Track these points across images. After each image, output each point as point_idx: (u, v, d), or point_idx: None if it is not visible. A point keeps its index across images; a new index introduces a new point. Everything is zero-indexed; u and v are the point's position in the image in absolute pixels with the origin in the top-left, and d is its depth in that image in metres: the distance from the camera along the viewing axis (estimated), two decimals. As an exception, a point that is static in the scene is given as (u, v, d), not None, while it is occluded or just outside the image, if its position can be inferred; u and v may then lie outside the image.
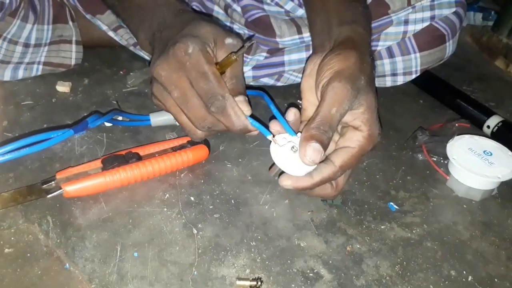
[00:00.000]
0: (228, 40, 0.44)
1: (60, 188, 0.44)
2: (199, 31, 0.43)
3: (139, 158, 0.48)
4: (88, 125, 0.52)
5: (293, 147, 0.42)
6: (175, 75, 0.42)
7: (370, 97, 0.42)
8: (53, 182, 0.45)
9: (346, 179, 0.46)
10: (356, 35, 0.46)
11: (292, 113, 0.44)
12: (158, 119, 0.56)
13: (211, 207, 0.47)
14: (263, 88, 0.56)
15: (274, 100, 0.47)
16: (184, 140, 0.52)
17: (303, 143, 0.40)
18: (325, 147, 0.40)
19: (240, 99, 0.43)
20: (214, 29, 0.44)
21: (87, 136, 0.53)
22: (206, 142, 0.52)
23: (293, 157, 0.42)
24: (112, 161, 0.47)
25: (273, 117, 0.44)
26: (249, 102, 0.44)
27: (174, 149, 0.51)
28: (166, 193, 0.48)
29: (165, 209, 0.46)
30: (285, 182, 0.42)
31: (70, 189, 0.44)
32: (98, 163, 0.47)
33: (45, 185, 0.45)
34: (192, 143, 0.52)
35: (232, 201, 0.48)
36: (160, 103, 0.45)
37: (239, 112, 0.42)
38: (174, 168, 0.50)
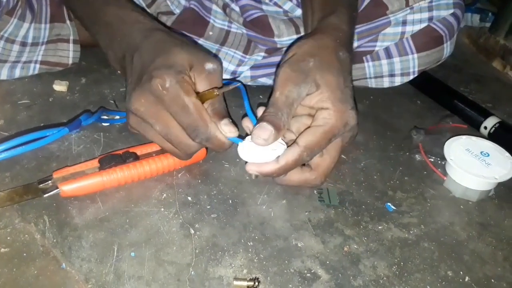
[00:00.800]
0: (208, 66, 0.44)
1: (57, 188, 0.44)
2: (174, 59, 0.43)
3: (136, 157, 0.48)
4: (82, 123, 0.52)
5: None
6: (154, 109, 0.42)
7: (326, 76, 0.44)
8: (49, 182, 0.45)
9: (330, 162, 0.46)
10: (326, 25, 0.49)
11: (261, 110, 0.46)
12: None
13: (208, 207, 0.47)
14: (241, 82, 0.57)
15: (249, 96, 0.49)
16: None
17: (255, 127, 0.42)
18: (277, 127, 0.41)
19: (225, 122, 0.44)
20: (190, 55, 0.43)
21: (84, 135, 0.53)
22: None
23: (260, 151, 0.43)
24: (109, 161, 0.47)
25: (245, 115, 0.47)
26: (233, 122, 0.45)
27: None
28: (163, 193, 0.48)
29: (162, 209, 0.46)
30: (250, 167, 0.44)
31: (67, 188, 0.44)
32: (95, 163, 0.47)
33: (41, 185, 0.45)
34: None
35: (230, 201, 0.48)
36: (140, 133, 0.45)
37: (223, 139, 0.43)
38: (171, 168, 0.50)
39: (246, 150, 0.44)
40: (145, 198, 0.47)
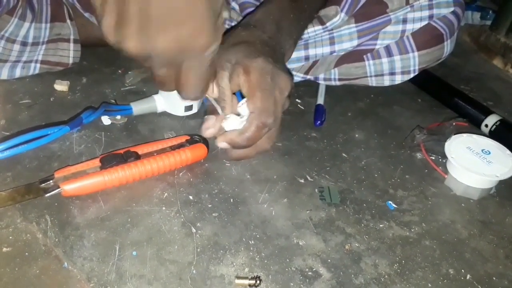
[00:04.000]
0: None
1: (59, 187, 0.44)
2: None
3: (137, 157, 0.48)
4: (83, 121, 0.52)
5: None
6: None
7: (223, 53, 0.48)
8: (51, 181, 0.45)
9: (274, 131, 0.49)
10: (254, 16, 0.54)
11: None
12: (139, 107, 0.57)
13: (209, 206, 0.47)
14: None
15: None
16: (182, 139, 0.52)
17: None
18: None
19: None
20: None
21: (85, 135, 0.53)
22: (205, 141, 0.52)
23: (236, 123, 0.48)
24: (110, 160, 0.47)
25: None
26: None
27: (173, 148, 0.51)
28: (165, 192, 0.48)
29: (164, 208, 0.46)
30: (219, 139, 0.48)
31: (69, 188, 0.44)
32: (96, 162, 0.47)
33: (43, 184, 0.45)
34: (191, 142, 0.52)
35: (231, 200, 0.48)
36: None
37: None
38: (173, 167, 0.50)
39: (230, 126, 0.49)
40: (146, 197, 0.47)
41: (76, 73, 0.64)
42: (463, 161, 0.52)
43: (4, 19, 0.59)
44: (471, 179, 0.51)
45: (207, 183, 0.50)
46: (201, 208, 0.46)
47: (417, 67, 0.64)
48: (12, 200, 0.43)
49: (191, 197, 0.47)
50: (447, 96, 0.69)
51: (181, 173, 0.50)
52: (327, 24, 0.61)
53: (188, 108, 0.58)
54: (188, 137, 0.53)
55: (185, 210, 0.46)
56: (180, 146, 0.51)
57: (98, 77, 0.64)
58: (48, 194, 0.44)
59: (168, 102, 0.58)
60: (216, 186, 0.49)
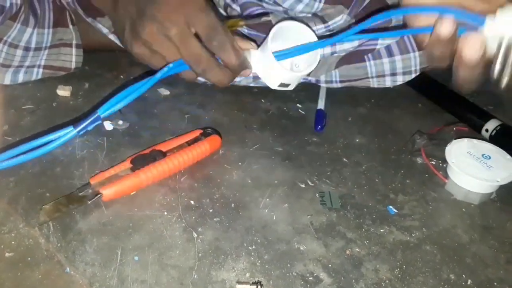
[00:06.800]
0: None
1: (99, 193, 0.45)
2: None
3: (164, 154, 0.50)
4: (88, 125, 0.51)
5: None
6: (174, 14, 0.46)
7: None
8: (89, 189, 0.46)
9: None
10: None
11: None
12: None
13: (211, 210, 0.47)
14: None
15: None
16: (197, 133, 0.54)
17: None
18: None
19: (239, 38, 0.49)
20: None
21: (87, 140, 0.54)
22: (217, 132, 0.56)
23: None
24: (141, 161, 0.49)
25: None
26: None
27: (189, 143, 0.53)
28: (166, 197, 0.48)
29: (165, 213, 0.46)
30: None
31: (109, 192, 0.45)
32: (127, 164, 0.48)
33: (82, 193, 0.46)
34: (205, 134, 0.54)
35: (232, 204, 0.48)
36: (152, 49, 0.48)
37: (237, 46, 0.47)
38: (195, 160, 0.52)
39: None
40: (148, 202, 0.47)
41: (79, 78, 0.65)
42: (464, 166, 0.52)
43: (7, 25, 0.59)
44: (472, 184, 0.52)
45: (209, 187, 0.50)
46: (202, 213, 0.47)
47: (418, 67, 0.64)
48: (58, 211, 0.44)
49: (192, 202, 0.48)
50: (447, 101, 0.69)
51: (182, 178, 0.51)
52: (329, 23, 0.61)
53: (284, 85, 0.53)
54: (201, 131, 0.55)
55: (187, 215, 0.46)
56: (195, 140, 0.53)
57: (100, 82, 0.65)
58: (90, 201, 0.45)
59: (264, 67, 0.52)
60: (217, 190, 0.50)
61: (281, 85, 0.53)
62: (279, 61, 0.50)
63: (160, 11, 0.47)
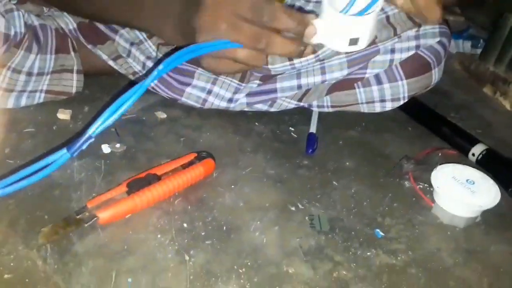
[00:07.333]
0: None
1: (95, 216, 0.47)
2: None
3: (159, 178, 0.52)
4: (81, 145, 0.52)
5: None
6: (220, 10, 0.47)
7: None
8: (86, 212, 0.48)
9: None
10: None
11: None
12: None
13: (203, 233, 0.49)
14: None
15: None
16: (191, 157, 0.56)
17: None
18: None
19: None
20: None
21: (85, 163, 0.56)
22: (210, 155, 0.57)
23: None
24: (136, 184, 0.50)
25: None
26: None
27: (184, 167, 0.55)
28: (160, 220, 0.50)
29: (159, 236, 0.48)
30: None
31: (105, 215, 0.47)
32: (123, 188, 0.50)
33: (79, 215, 0.47)
34: (199, 158, 0.56)
35: (224, 227, 0.50)
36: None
37: (289, 11, 0.47)
38: (189, 183, 0.54)
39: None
40: (142, 225, 0.49)
41: (79, 101, 0.67)
42: (449, 191, 0.54)
43: (11, 51, 0.62)
44: (457, 208, 0.53)
45: (201, 210, 0.52)
46: (195, 235, 0.48)
47: (406, 94, 0.67)
48: (56, 234, 0.45)
49: (185, 225, 0.49)
50: (435, 125, 0.71)
51: (176, 201, 0.52)
52: (319, 52, 0.64)
53: (354, 41, 0.48)
54: (196, 154, 0.56)
55: (179, 238, 0.48)
56: (190, 163, 0.55)
57: (100, 105, 0.67)
58: (87, 224, 0.47)
59: (328, 32, 0.48)
60: (210, 213, 0.51)
61: (352, 42, 0.48)
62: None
63: (205, 14, 0.48)
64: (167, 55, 0.57)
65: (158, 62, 0.63)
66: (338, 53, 0.64)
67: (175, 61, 0.47)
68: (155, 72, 0.46)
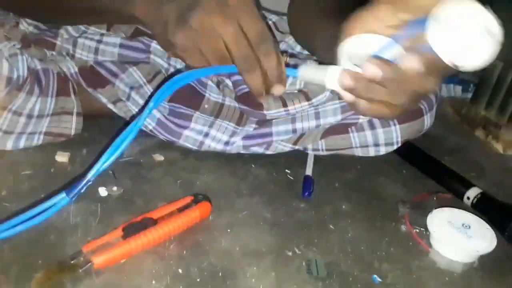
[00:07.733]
0: None
1: (90, 261, 0.46)
2: None
3: (155, 222, 0.52)
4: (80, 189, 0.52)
5: None
6: (221, 17, 0.47)
7: None
8: (81, 257, 0.47)
9: None
10: None
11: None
12: (307, 73, 0.50)
13: (198, 280, 0.48)
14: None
15: None
16: (188, 200, 0.56)
17: None
18: None
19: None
20: None
21: (81, 206, 0.55)
22: (207, 198, 0.57)
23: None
24: (132, 228, 0.50)
25: None
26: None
27: (180, 210, 0.55)
28: (155, 265, 0.49)
29: (153, 282, 0.47)
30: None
31: (100, 260, 0.47)
32: (118, 232, 0.50)
33: (74, 260, 0.47)
34: (195, 201, 0.56)
35: (220, 273, 0.49)
36: (195, 42, 0.49)
37: (281, 59, 0.50)
38: (185, 227, 0.53)
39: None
40: (137, 270, 0.48)
41: (77, 144, 0.67)
42: (445, 236, 0.54)
43: (12, 94, 0.63)
44: (453, 253, 0.53)
45: (197, 255, 0.51)
46: (190, 282, 0.48)
47: (399, 139, 0.68)
48: (49, 280, 0.45)
49: (180, 271, 0.49)
50: (430, 168, 0.72)
51: (172, 245, 0.52)
52: (313, 100, 0.65)
53: None
54: (193, 197, 0.56)
55: (174, 285, 0.47)
56: (186, 206, 0.55)
57: (98, 148, 0.67)
58: (81, 269, 0.46)
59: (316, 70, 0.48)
60: (205, 258, 0.51)
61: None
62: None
63: (207, 14, 0.48)
64: (156, 89, 0.58)
65: (148, 99, 0.64)
66: (332, 99, 0.66)
67: (163, 95, 0.49)
68: (147, 110, 0.48)
